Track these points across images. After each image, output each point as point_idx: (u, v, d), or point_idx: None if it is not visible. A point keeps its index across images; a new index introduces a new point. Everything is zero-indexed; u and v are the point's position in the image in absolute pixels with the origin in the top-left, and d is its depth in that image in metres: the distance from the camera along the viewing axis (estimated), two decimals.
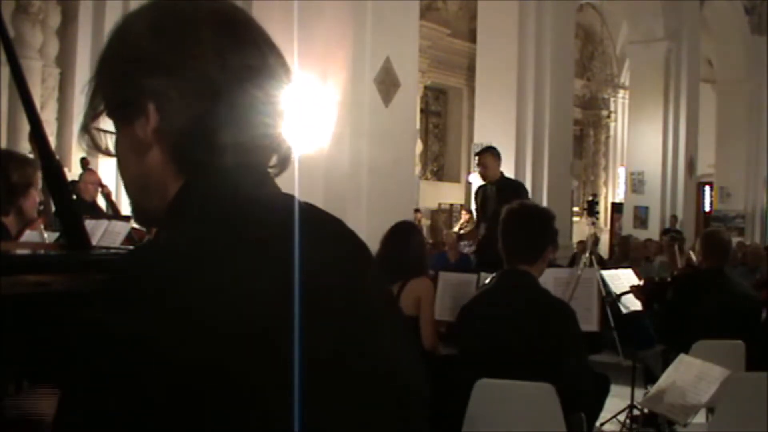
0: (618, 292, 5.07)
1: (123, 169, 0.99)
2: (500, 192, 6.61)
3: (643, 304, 5.16)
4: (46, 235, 2.67)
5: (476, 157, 6.92)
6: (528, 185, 11.46)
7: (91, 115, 0.97)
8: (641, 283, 5.40)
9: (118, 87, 0.95)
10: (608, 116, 21.76)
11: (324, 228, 1.01)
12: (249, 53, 0.94)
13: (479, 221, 7.02)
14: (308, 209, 1.00)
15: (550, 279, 4.06)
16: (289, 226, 0.92)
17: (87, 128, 0.98)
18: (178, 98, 0.90)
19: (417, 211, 13.82)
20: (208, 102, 0.91)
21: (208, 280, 0.83)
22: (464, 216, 14.06)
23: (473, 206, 7.73)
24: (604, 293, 4.80)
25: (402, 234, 4.29)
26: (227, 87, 0.92)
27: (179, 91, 0.90)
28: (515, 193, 6.41)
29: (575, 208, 17.05)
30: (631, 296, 5.17)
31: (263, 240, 0.89)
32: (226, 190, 0.91)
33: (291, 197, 1.00)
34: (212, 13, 0.95)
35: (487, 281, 3.91)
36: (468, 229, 7.59)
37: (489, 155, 6.80)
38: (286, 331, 0.84)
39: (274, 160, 1.01)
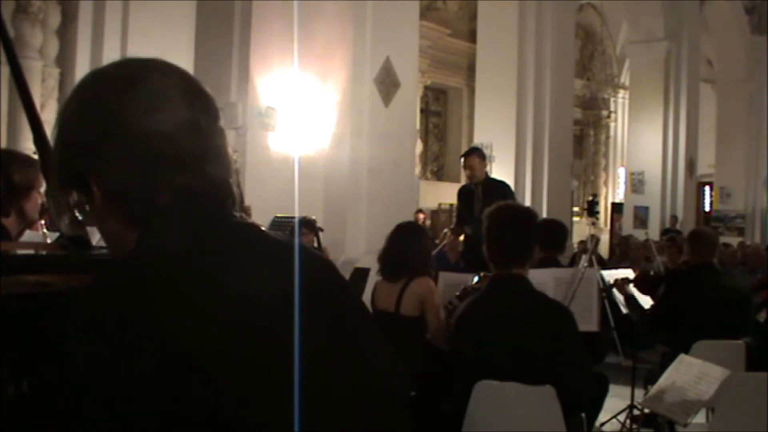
0: (611, 282, 5.11)
1: (102, 236, 1.12)
2: (486, 192, 6.64)
3: (644, 293, 5.25)
4: (46, 231, 2.66)
5: (462, 159, 6.93)
6: (528, 185, 11.50)
7: (66, 204, 1.09)
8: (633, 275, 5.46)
9: (68, 170, 1.07)
10: (608, 116, 21.76)
11: (283, 252, 1.10)
12: (169, 113, 1.04)
13: (462, 221, 7.05)
14: (264, 237, 1.11)
15: (550, 279, 4.05)
16: (249, 256, 1.05)
17: (71, 215, 1.10)
18: (112, 169, 1.03)
19: (419, 211, 13.79)
20: (139, 164, 1.02)
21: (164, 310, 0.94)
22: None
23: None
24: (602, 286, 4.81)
25: (406, 234, 4.29)
26: (154, 148, 1.02)
27: (112, 163, 1.02)
28: (500, 194, 6.44)
29: (575, 208, 17.04)
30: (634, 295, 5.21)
31: (215, 273, 1.00)
32: (180, 233, 1.02)
33: (253, 225, 1.12)
34: (129, 82, 1.05)
35: (475, 280, 3.87)
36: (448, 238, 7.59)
37: (475, 156, 6.82)
38: (266, 356, 0.96)
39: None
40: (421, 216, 13.25)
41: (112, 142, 1.02)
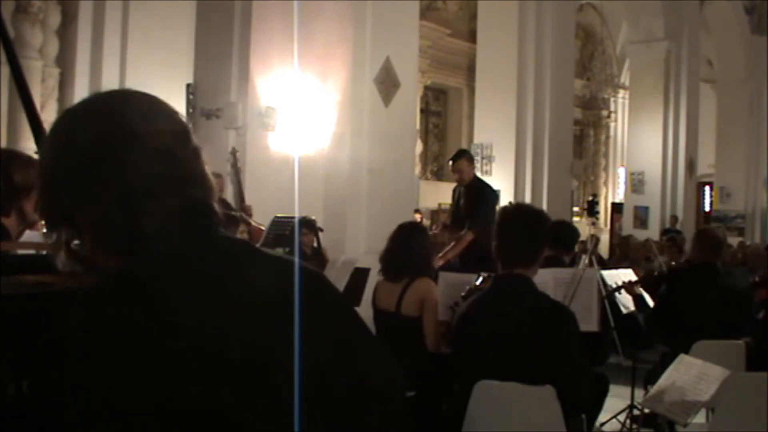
0: (614, 286, 5.11)
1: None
2: (468, 193, 6.69)
3: (651, 296, 5.24)
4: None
5: (450, 162, 6.96)
6: (528, 185, 11.49)
7: (61, 238, 1.10)
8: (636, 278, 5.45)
9: (53, 210, 1.10)
10: (608, 116, 21.74)
11: (280, 257, 1.13)
12: (140, 144, 1.06)
13: (455, 221, 7.08)
14: (258, 248, 1.14)
15: (550, 279, 4.04)
16: (248, 257, 1.08)
17: (66, 249, 1.11)
18: (92, 204, 1.05)
19: (417, 212, 13.79)
20: (117, 196, 1.04)
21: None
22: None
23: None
24: (603, 293, 4.80)
25: (408, 234, 4.30)
26: (130, 179, 1.04)
27: (91, 198, 1.05)
28: (479, 195, 6.52)
29: (575, 208, 17.03)
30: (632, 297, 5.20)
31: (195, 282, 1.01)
32: (162, 259, 1.04)
33: (241, 241, 1.15)
34: (97, 119, 1.08)
35: (478, 282, 3.87)
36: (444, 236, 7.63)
37: (463, 160, 6.86)
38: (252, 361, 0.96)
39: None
40: (418, 216, 13.26)
41: (89, 179, 1.04)
